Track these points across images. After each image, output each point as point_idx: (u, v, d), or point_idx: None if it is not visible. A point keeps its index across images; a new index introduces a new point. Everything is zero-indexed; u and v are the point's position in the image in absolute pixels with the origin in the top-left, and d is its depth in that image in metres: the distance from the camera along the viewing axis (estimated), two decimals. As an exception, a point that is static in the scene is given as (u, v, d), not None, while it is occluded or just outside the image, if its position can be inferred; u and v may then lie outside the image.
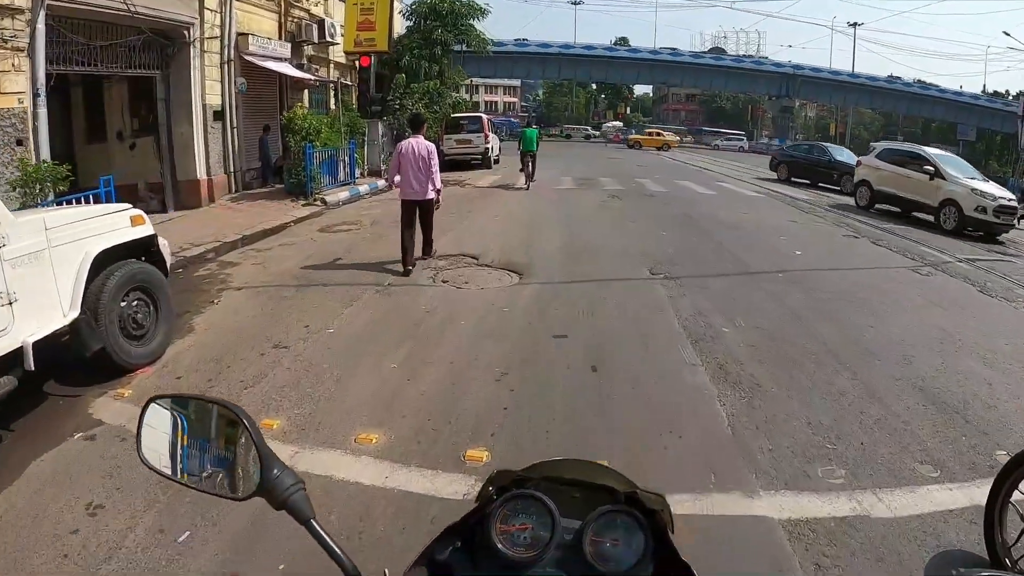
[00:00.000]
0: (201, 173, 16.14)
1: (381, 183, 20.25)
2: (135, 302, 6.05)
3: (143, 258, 6.50)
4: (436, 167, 9.73)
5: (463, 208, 15.69)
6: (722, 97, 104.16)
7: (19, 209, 8.75)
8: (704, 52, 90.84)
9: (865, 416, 5.19)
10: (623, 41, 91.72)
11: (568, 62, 78.82)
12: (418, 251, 9.89)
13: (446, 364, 5.99)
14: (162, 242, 6.84)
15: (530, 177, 20.51)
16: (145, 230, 6.44)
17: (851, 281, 9.96)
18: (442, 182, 10.06)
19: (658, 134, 61.66)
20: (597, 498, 1.23)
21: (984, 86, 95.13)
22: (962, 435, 4.96)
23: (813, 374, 6.01)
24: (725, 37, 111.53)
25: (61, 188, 10.55)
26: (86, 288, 5.55)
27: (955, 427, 5.10)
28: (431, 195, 9.72)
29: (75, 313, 5.41)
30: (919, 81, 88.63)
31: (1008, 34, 58.85)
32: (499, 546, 1.16)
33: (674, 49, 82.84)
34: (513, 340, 6.66)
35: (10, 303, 4.86)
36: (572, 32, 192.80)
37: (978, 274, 11.38)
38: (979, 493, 3.74)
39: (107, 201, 9.64)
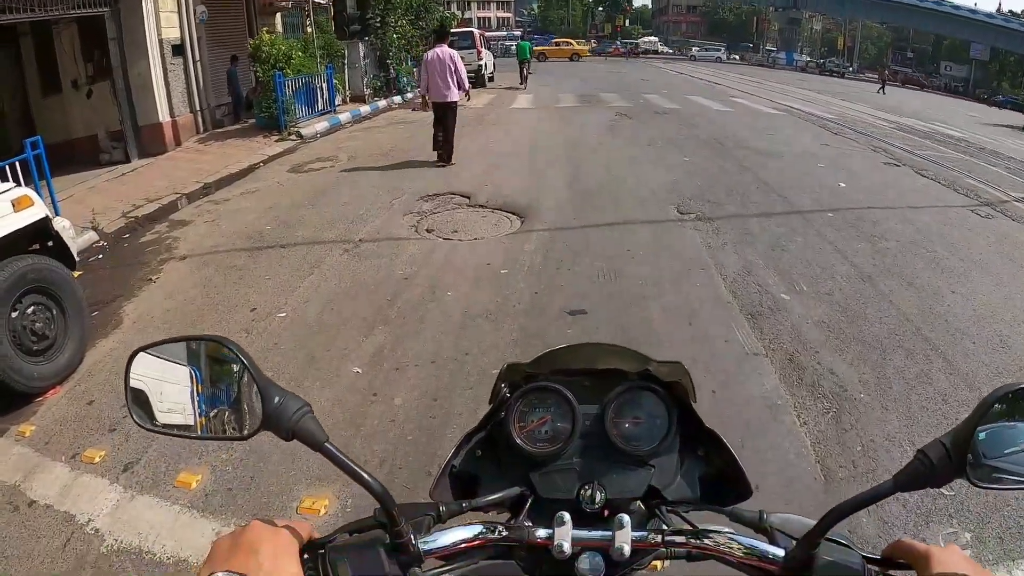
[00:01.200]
0: (164, 115, 14.69)
1: (365, 109, 18.94)
2: (31, 308, 4.73)
3: (39, 249, 5.21)
4: (462, 70, 11.14)
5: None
6: (725, 8, 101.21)
7: None
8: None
9: None
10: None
11: (563, -29, 76.47)
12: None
13: (426, 364, 4.50)
14: (62, 224, 5.44)
15: (525, 79, 26.38)
16: (33, 214, 5.03)
17: (912, 225, 8.42)
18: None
19: (567, 43, 60.65)
20: (613, 378, 1.14)
21: (1000, 3, 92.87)
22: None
23: (905, 369, 4.58)
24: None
25: None
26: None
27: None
28: (454, 97, 10.99)
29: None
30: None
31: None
32: (521, 444, 1.12)
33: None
34: (515, 320, 5.10)
35: None
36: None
37: None
38: None
39: (37, 167, 8.44)
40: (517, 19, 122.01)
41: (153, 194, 10.43)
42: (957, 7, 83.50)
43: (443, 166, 10.80)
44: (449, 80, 10.80)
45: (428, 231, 7.49)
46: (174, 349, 1.18)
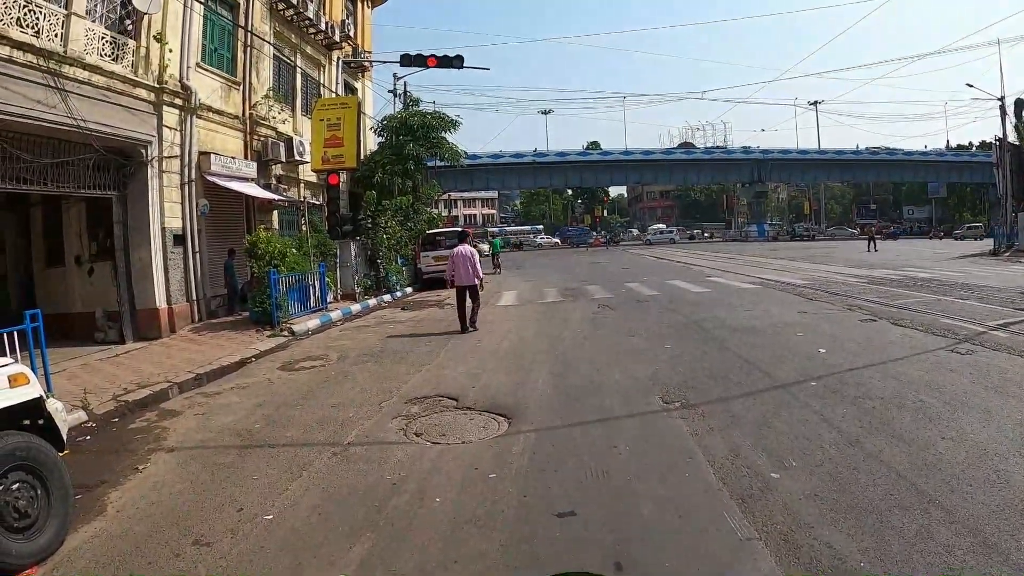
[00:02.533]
0: (161, 302, 15.28)
1: (356, 307, 19.36)
2: (16, 485, 4.72)
3: (29, 426, 5.28)
4: (479, 263, 15.04)
5: (441, 333, 14.40)
6: (696, 190, 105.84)
7: None
8: (675, 148, 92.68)
9: None
10: (595, 145, 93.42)
11: (542, 170, 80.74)
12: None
13: (414, 574, 4.35)
14: (55, 406, 5.50)
15: (498, 266, 30.76)
16: (27, 393, 5.12)
17: (893, 378, 8.55)
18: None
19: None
20: None
21: (948, 142, 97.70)
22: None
23: (904, 528, 4.48)
24: (694, 131, 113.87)
25: None
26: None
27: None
28: (475, 281, 14.65)
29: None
30: (884, 148, 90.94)
31: (971, 85, 59.40)
32: None
33: (645, 148, 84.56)
34: (504, 526, 4.95)
35: None
36: (545, 140, 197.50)
37: (1020, 342, 10.27)
38: None
39: (35, 339, 8.91)
40: (501, 215, 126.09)
41: (145, 379, 10.55)
42: (910, 153, 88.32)
43: (469, 331, 14.18)
44: (469, 270, 14.47)
45: (416, 435, 7.42)
46: None
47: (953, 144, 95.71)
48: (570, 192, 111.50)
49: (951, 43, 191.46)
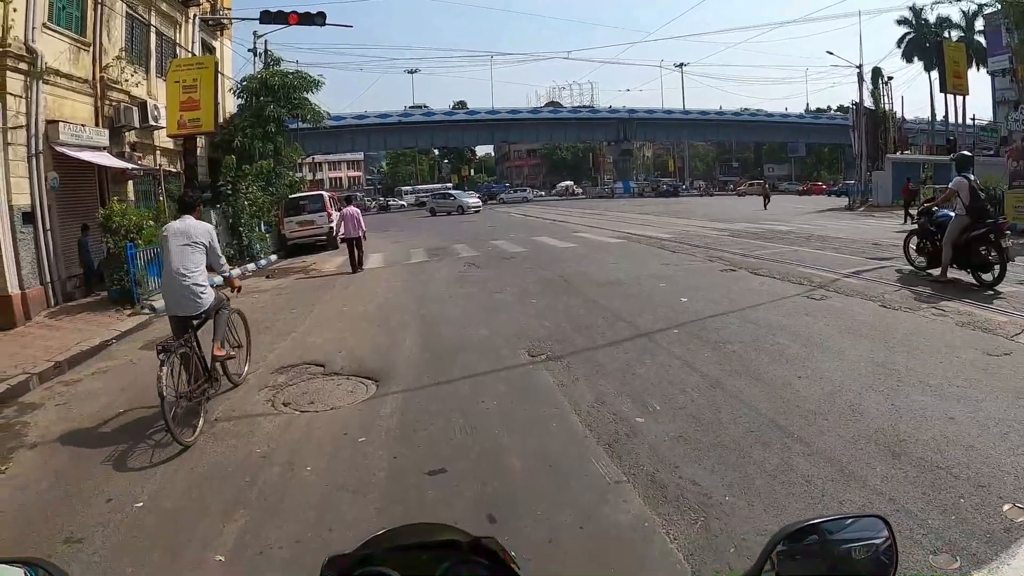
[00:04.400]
0: (12, 287, 13.99)
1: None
2: None
3: None
4: (362, 221, 19.18)
5: (305, 301, 14.13)
6: (563, 149, 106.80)
7: None
8: (541, 107, 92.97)
9: (847, 505, 4.06)
10: (461, 104, 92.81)
11: (409, 130, 79.81)
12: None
13: (291, 545, 4.22)
14: None
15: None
16: None
17: (752, 323, 8.96)
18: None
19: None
20: (441, 556, 1.14)
21: (807, 104, 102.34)
22: (959, 497, 4.06)
23: (765, 462, 4.71)
24: (561, 90, 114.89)
25: None
26: None
27: (947, 489, 4.18)
28: (359, 234, 18.69)
29: None
30: (746, 109, 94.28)
31: (831, 52, 62.16)
32: None
33: (512, 107, 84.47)
34: (377, 489, 4.88)
35: None
36: (411, 99, 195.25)
37: (871, 287, 11.00)
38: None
39: None
40: (367, 177, 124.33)
41: (1, 373, 9.77)
42: (771, 115, 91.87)
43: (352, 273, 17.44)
44: (356, 226, 18.56)
45: (284, 404, 7.20)
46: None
47: (813, 107, 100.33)
48: (437, 152, 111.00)
49: (814, 11, 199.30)
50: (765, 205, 41.30)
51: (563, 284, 13.19)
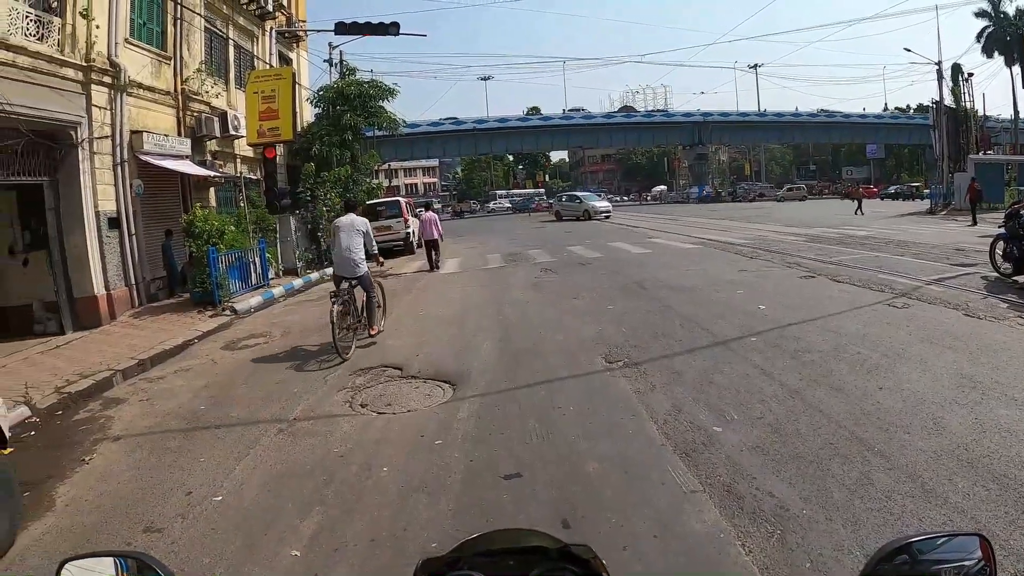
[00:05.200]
0: (99, 288, 14.74)
1: (298, 282, 19.05)
2: None
3: None
4: (440, 225, 20.47)
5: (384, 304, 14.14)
6: (637, 153, 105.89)
7: None
8: (615, 112, 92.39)
9: (926, 523, 3.94)
10: (535, 110, 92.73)
11: (483, 136, 79.75)
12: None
13: (365, 544, 4.30)
14: None
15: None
16: None
17: (832, 332, 8.75)
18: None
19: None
20: (530, 561, 1.18)
21: (885, 104, 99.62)
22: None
23: (844, 476, 4.59)
24: (634, 94, 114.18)
25: None
26: None
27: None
28: (436, 236, 19.98)
29: None
30: (823, 110, 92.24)
31: (909, 50, 60.40)
32: None
33: (586, 112, 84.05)
34: (452, 491, 4.93)
35: None
36: (485, 106, 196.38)
37: (955, 295, 10.65)
38: None
39: None
40: (443, 183, 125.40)
41: (87, 369, 10.21)
42: (848, 115, 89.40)
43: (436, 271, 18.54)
44: (434, 229, 20.06)
45: (362, 406, 7.35)
46: (102, 563, 1.20)
47: (891, 107, 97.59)
48: (511, 158, 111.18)
49: (890, 7, 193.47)
50: (858, 210, 37.27)
51: (639, 290, 13.11)
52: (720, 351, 8.17)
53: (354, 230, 10.54)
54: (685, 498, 4.46)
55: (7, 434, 5.48)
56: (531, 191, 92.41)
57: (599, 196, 52.73)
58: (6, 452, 5.32)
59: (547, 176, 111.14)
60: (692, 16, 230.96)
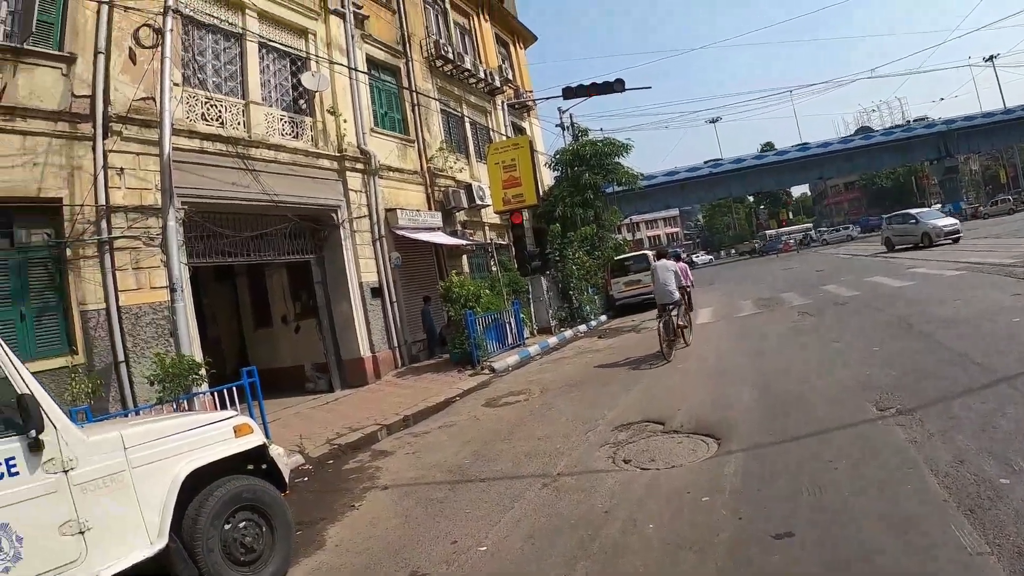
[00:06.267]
0: (364, 351, 16.63)
1: (552, 340, 19.69)
2: (243, 523, 5.39)
3: (253, 471, 5.89)
4: (689, 273, 17.53)
5: (641, 359, 14.27)
6: (881, 176, 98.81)
7: (154, 404, 10.14)
8: (852, 136, 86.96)
9: None
10: (769, 146, 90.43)
11: (720, 181, 78.17)
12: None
13: (631, 600, 4.43)
14: (276, 451, 6.23)
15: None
16: (251, 441, 5.82)
17: None
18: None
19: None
20: None
21: None
22: None
23: None
24: (869, 113, 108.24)
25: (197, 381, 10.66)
26: (180, 511, 4.98)
27: None
28: (686, 284, 16.19)
29: (163, 542, 4.83)
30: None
31: None
32: None
33: (822, 141, 79.93)
34: (720, 549, 4.91)
35: (81, 532, 4.50)
36: (718, 148, 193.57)
37: None
38: None
39: (252, 394, 10.26)
40: (685, 232, 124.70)
41: (355, 423, 11.44)
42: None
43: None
44: (685, 278, 16.56)
45: (625, 461, 7.46)
46: None
47: None
48: (751, 198, 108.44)
49: None
50: None
51: (904, 326, 12.27)
52: (1002, 390, 7.45)
53: (668, 270, 14.19)
54: (971, 562, 4.14)
55: (286, 479, 6.23)
56: (799, 228, 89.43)
57: (941, 213, 39.81)
58: (285, 494, 6.04)
59: (790, 213, 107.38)
60: (915, 19, 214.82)
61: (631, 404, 10.18)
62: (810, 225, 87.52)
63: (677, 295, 14.08)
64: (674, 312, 13.97)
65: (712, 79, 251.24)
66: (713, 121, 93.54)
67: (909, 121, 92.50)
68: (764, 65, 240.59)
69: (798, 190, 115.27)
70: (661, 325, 13.72)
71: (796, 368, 10.77)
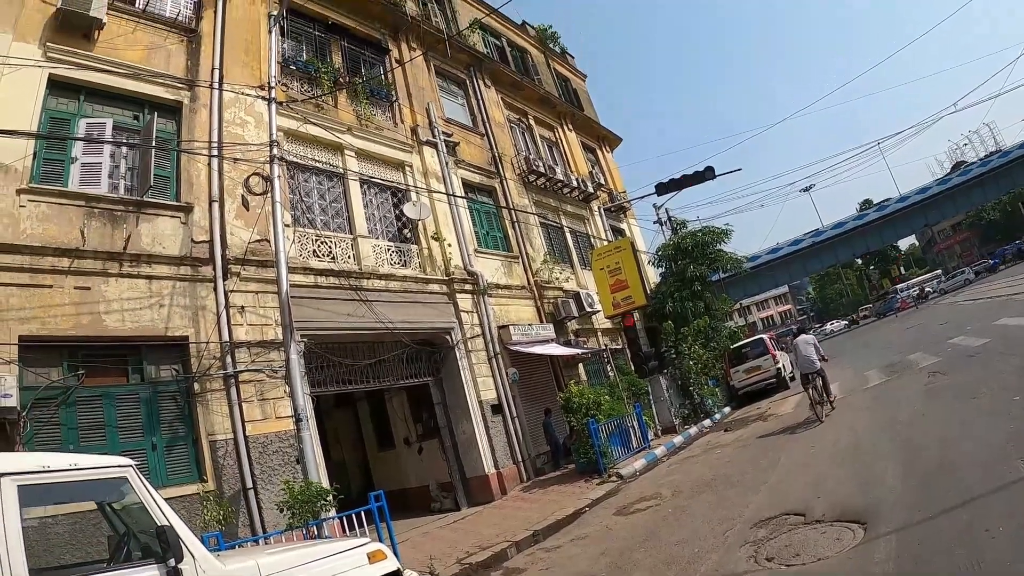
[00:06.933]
0: (488, 468, 16.74)
1: (678, 439, 19.34)
2: None
3: None
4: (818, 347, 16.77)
5: (770, 447, 13.92)
6: (986, 210, 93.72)
7: (284, 530, 10.33)
8: (948, 176, 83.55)
9: None
10: (867, 203, 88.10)
11: (824, 249, 75.83)
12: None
13: None
14: None
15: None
16: (386, 567, 5.95)
17: None
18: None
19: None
20: None
21: None
22: None
23: None
24: (962, 148, 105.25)
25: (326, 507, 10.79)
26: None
27: None
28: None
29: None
30: None
31: None
32: None
33: (920, 187, 77.09)
34: None
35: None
36: (817, 217, 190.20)
37: None
38: None
39: (380, 517, 10.46)
40: (797, 307, 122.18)
41: (484, 541, 11.32)
42: None
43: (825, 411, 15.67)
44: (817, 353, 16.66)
45: (768, 560, 7.15)
46: None
47: None
48: (859, 261, 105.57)
49: None
50: None
51: (1044, 374, 11.31)
52: None
53: (808, 344, 16.20)
54: None
55: None
56: (930, 276, 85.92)
57: None
58: None
59: (902, 268, 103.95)
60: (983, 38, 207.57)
61: (767, 497, 9.80)
62: (939, 271, 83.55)
63: (819, 364, 15.86)
64: (817, 381, 15.68)
65: (796, 150, 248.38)
66: (806, 190, 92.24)
67: (1002, 145, 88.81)
68: (849, 120, 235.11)
69: (905, 242, 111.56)
70: (811, 389, 15.69)
71: (935, 433, 10.17)
